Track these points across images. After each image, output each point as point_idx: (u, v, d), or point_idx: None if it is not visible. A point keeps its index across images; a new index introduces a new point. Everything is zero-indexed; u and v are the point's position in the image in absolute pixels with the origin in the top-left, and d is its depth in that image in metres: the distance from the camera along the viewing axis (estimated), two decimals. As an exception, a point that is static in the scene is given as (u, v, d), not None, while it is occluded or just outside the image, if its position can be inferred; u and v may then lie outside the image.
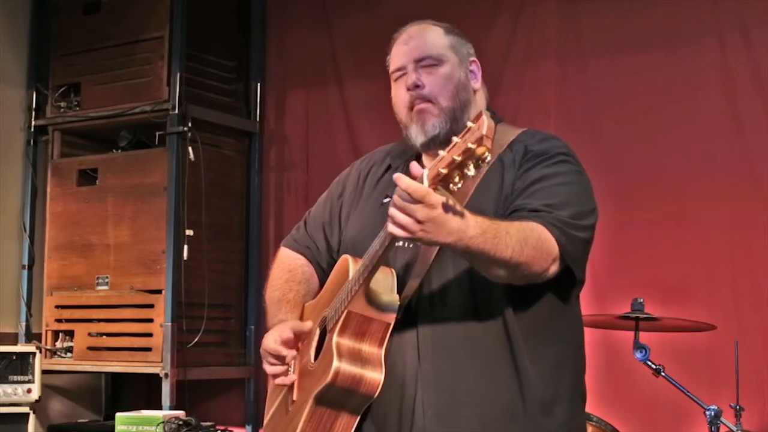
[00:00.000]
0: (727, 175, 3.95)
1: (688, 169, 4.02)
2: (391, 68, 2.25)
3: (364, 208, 2.30)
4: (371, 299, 2.08)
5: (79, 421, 4.86)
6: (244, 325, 4.86)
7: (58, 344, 4.66)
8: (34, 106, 4.93)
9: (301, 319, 2.33)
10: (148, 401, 4.73)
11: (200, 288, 4.53)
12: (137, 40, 4.62)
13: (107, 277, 4.57)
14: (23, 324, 4.81)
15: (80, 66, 4.80)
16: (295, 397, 2.22)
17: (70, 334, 4.66)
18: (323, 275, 2.36)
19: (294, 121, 4.97)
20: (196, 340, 4.47)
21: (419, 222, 1.82)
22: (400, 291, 2.11)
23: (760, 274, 3.84)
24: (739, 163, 3.94)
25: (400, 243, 2.14)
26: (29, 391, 4.25)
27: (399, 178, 1.82)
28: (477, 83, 2.25)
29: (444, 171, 1.78)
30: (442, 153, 1.80)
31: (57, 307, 4.70)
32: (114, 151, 4.77)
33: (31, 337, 4.76)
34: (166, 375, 4.33)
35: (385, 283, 2.10)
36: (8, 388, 4.21)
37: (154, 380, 4.47)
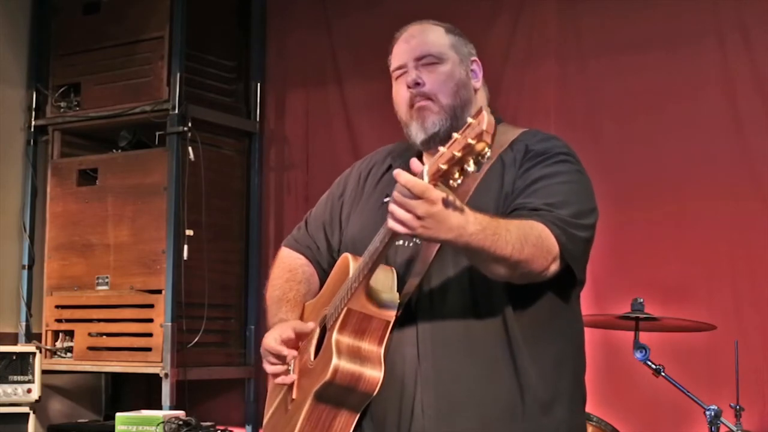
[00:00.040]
0: (727, 175, 3.95)
1: (688, 169, 4.02)
2: (392, 67, 2.26)
3: (365, 208, 2.31)
4: (371, 297, 2.08)
5: (79, 421, 4.86)
6: (244, 325, 4.86)
7: (58, 344, 4.66)
8: (34, 106, 4.93)
9: (302, 318, 2.33)
10: (148, 401, 4.73)
11: (200, 288, 4.53)
12: (137, 40, 4.62)
13: (107, 277, 4.57)
14: (23, 324, 4.81)
15: (80, 66, 4.80)
16: (294, 396, 2.22)
17: (70, 334, 4.66)
18: (324, 275, 2.36)
19: (294, 121, 4.97)
20: (196, 340, 4.47)
21: (419, 218, 1.82)
22: (400, 289, 2.11)
23: (760, 274, 3.84)
24: (739, 163, 3.94)
25: (401, 242, 2.15)
26: (29, 391, 4.25)
27: (399, 174, 1.82)
28: (478, 82, 2.26)
29: (444, 167, 1.78)
30: (442, 149, 1.80)
31: (57, 307, 4.70)
32: (114, 151, 4.77)
33: (31, 337, 4.76)
34: (166, 375, 4.33)
35: (385, 282, 2.10)
36: (8, 388, 4.21)
37: (154, 380, 4.47)
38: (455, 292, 2.09)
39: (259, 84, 4.98)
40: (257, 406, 4.75)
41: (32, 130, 4.92)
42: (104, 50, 4.72)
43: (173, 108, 4.46)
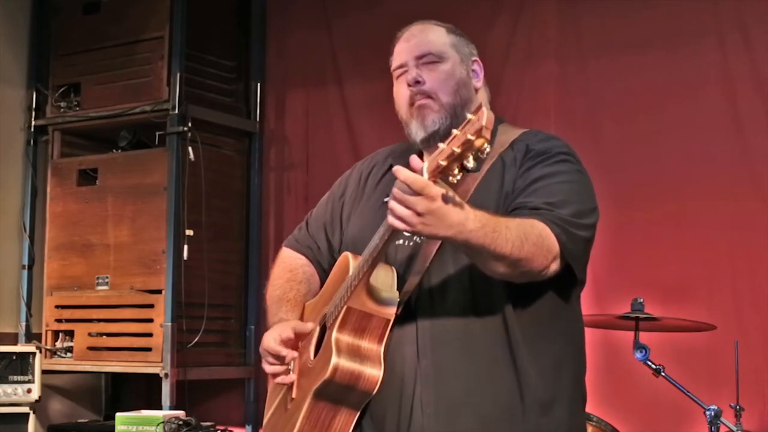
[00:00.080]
0: (727, 175, 3.95)
1: (688, 169, 4.02)
2: (393, 66, 2.26)
3: (365, 208, 2.31)
4: (371, 295, 2.08)
5: (79, 421, 4.86)
6: (244, 325, 4.86)
7: (58, 344, 4.66)
8: (34, 106, 4.93)
9: (302, 317, 2.33)
10: (148, 401, 4.73)
11: (200, 288, 4.53)
12: (137, 40, 4.62)
13: (107, 277, 4.57)
14: (23, 324, 4.81)
15: (80, 66, 4.80)
16: (294, 395, 2.22)
17: (70, 334, 4.66)
18: (324, 275, 2.35)
19: (294, 121, 4.97)
20: (196, 340, 4.47)
21: (419, 214, 1.82)
22: (400, 288, 2.11)
23: (760, 274, 3.84)
24: (739, 163, 3.94)
25: (401, 241, 2.15)
26: (29, 391, 4.25)
27: (398, 170, 1.82)
28: (479, 82, 2.26)
29: (444, 163, 1.79)
30: (441, 145, 1.80)
31: (57, 307, 4.70)
32: (114, 151, 4.77)
33: (31, 337, 4.76)
34: (166, 375, 4.33)
35: (385, 280, 2.10)
36: (8, 388, 4.21)
37: (154, 380, 4.46)
38: (455, 290, 2.09)
39: (259, 84, 4.98)
40: (257, 406, 4.75)
41: (32, 130, 4.92)
42: (104, 50, 4.72)
43: (173, 108, 4.46)
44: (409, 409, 2.08)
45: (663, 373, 3.40)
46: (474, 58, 2.27)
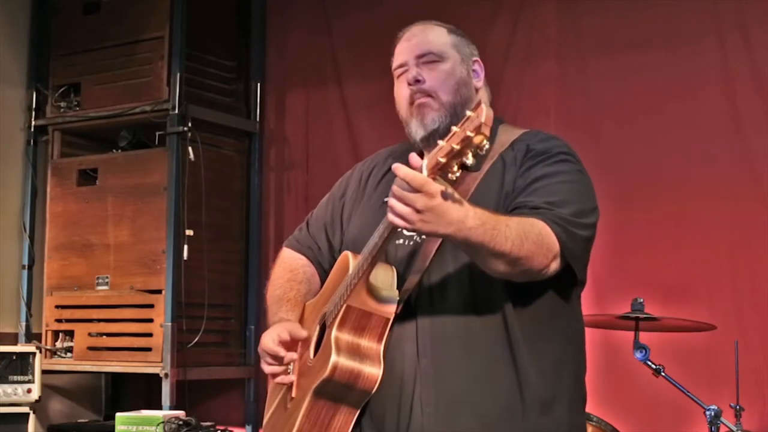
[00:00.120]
0: (727, 175, 3.95)
1: (688, 169, 4.02)
2: (394, 65, 2.26)
3: (365, 208, 2.31)
4: (371, 294, 2.08)
5: (79, 421, 4.86)
6: (244, 325, 4.86)
7: (58, 344, 4.66)
8: (34, 106, 4.93)
9: (302, 317, 2.33)
10: (148, 401, 4.73)
11: (200, 288, 4.53)
12: (137, 40, 4.62)
13: (107, 277, 4.57)
14: (23, 324, 4.81)
15: (80, 66, 4.80)
16: (293, 394, 2.22)
17: (70, 334, 4.66)
18: (325, 276, 2.35)
19: (294, 121, 4.97)
20: (196, 340, 4.47)
21: (418, 211, 1.82)
22: (399, 286, 2.11)
23: (760, 274, 3.84)
24: (739, 163, 3.94)
25: (401, 240, 2.15)
26: (29, 391, 4.25)
27: (398, 167, 1.83)
28: (479, 82, 2.26)
29: (443, 160, 1.79)
30: (441, 143, 1.80)
31: (57, 307, 4.70)
32: (114, 151, 4.77)
33: (31, 337, 4.76)
34: (166, 375, 4.33)
35: (385, 279, 2.10)
36: (8, 388, 4.21)
37: (154, 380, 4.46)
38: (455, 289, 2.09)
39: (259, 84, 4.98)
40: (257, 406, 4.75)
41: (32, 130, 4.92)
42: (104, 50, 4.72)
43: (173, 108, 4.46)
44: (408, 408, 2.08)
45: (663, 373, 3.40)
46: (475, 58, 2.27)
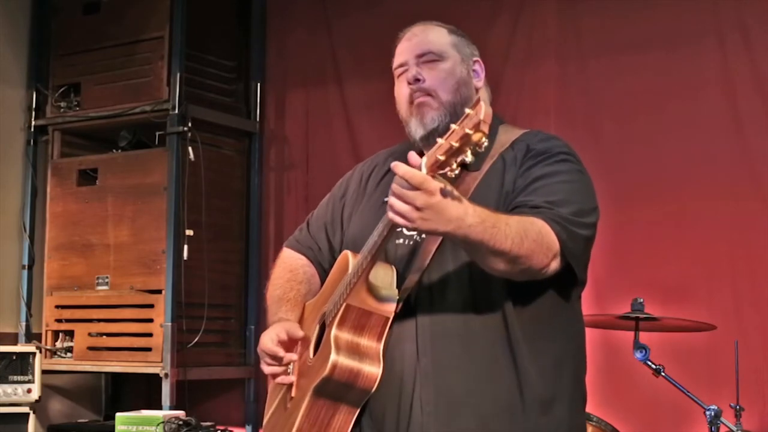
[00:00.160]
0: (727, 175, 3.95)
1: (688, 169, 4.02)
2: (394, 65, 2.27)
3: (366, 208, 2.31)
4: (370, 293, 2.07)
5: (79, 421, 4.86)
6: (244, 325, 4.86)
7: (58, 344, 4.66)
8: (34, 106, 4.93)
9: (302, 317, 2.33)
10: (148, 401, 4.73)
11: (200, 288, 4.53)
12: (137, 40, 4.62)
13: (107, 277, 4.57)
14: (23, 324, 4.81)
15: (80, 66, 4.80)
16: (293, 394, 2.22)
17: (70, 334, 4.66)
18: (325, 276, 2.35)
19: (294, 121, 4.97)
20: (196, 340, 4.47)
21: (418, 209, 1.82)
22: (399, 285, 2.10)
23: (760, 274, 3.84)
24: (739, 163, 3.94)
25: (400, 240, 2.15)
26: (29, 391, 4.25)
27: (397, 165, 1.83)
28: (480, 82, 2.26)
29: (442, 158, 1.79)
30: (440, 141, 1.81)
31: (57, 307, 4.70)
32: (114, 151, 4.77)
33: (31, 337, 4.76)
34: (166, 375, 4.33)
35: (384, 278, 2.10)
36: (8, 388, 4.21)
37: (154, 380, 4.46)
38: (455, 288, 2.09)
39: (259, 84, 4.98)
40: (257, 406, 4.75)
41: (32, 130, 4.92)
42: (104, 50, 4.72)
43: (173, 108, 4.46)
44: (408, 408, 2.07)
45: (663, 373, 3.40)
46: (475, 59, 2.27)
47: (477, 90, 2.25)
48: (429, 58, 2.21)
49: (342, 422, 2.08)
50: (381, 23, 4.39)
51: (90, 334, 4.60)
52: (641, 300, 3.41)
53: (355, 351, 2.05)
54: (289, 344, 2.21)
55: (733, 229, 3.92)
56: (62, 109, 4.82)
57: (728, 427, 3.29)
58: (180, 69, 4.48)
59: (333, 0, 4.89)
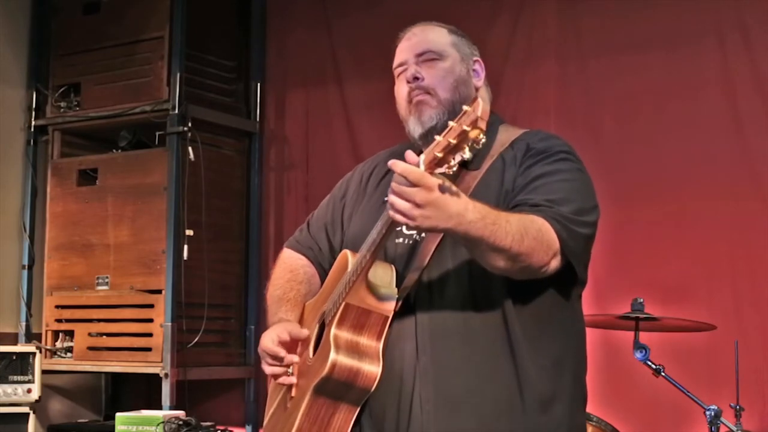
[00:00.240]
0: (727, 175, 3.95)
1: (688, 169, 4.02)
2: (394, 64, 2.27)
3: (366, 208, 2.31)
4: (370, 292, 2.07)
5: (79, 421, 4.86)
6: (244, 325, 4.86)
7: (58, 344, 4.66)
8: (34, 106, 4.93)
9: (302, 317, 2.33)
10: (148, 401, 4.73)
11: (200, 288, 4.53)
12: (137, 40, 4.62)
13: (107, 277, 4.57)
14: (23, 324, 4.81)
15: (80, 66, 4.80)
16: (293, 394, 2.22)
17: (70, 334, 4.66)
18: (325, 276, 2.35)
19: (294, 121, 4.97)
20: (196, 340, 4.47)
21: (418, 206, 1.82)
22: (399, 284, 2.10)
23: (760, 274, 3.84)
24: (739, 163, 3.94)
25: (399, 239, 2.15)
26: (29, 391, 4.25)
27: (395, 163, 1.83)
28: (479, 81, 2.26)
29: (440, 155, 1.79)
30: (438, 138, 1.81)
31: (57, 307, 4.70)
32: (114, 151, 4.77)
33: (31, 337, 4.76)
34: (166, 375, 4.33)
35: (384, 277, 2.10)
36: (8, 388, 4.21)
37: (154, 380, 4.46)
38: (454, 286, 2.09)
39: (259, 84, 4.98)
40: (257, 406, 4.75)
41: (32, 130, 4.92)
42: (104, 50, 4.72)
43: (173, 108, 4.46)
44: (408, 406, 2.07)
45: (663, 373, 3.40)
46: (475, 58, 2.27)
47: (477, 89, 2.25)
48: (428, 57, 2.21)
49: (342, 421, 2.08)
50: (381, 23, 4.39)
51: (90, 334, 4.60)
52: (641, 300, 3.41)
53: (354, 350, 2.05)
54: (289, 344, 2.21)
55: (733, 229, 3.92)
56: (62, 109, 4.82)
57: (728, 427, 3.29)
58: (180, 69, 4.48)
59: (333, 0, 4.89)
